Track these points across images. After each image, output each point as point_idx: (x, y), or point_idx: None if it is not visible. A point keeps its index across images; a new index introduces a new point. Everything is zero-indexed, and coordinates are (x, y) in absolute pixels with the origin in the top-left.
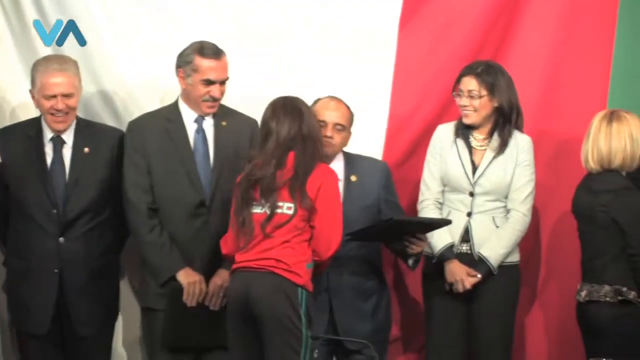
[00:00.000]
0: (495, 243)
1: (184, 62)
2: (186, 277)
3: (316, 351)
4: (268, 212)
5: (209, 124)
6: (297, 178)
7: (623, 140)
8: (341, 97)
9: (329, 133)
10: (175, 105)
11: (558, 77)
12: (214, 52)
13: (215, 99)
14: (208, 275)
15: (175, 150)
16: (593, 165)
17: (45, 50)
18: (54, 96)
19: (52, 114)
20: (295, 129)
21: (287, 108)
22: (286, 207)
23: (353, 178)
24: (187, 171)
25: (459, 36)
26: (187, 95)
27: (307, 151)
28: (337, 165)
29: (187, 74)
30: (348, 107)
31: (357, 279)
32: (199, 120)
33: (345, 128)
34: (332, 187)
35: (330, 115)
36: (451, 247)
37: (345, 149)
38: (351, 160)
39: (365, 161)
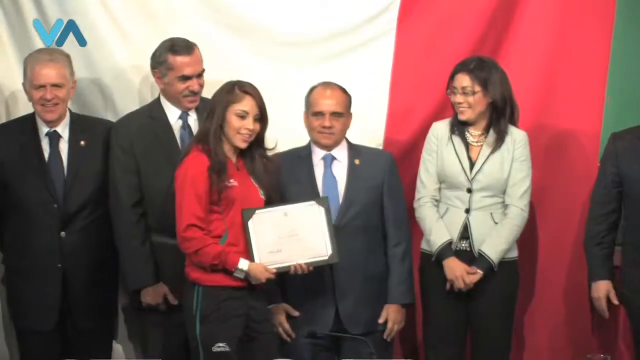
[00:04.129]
0: (496, 239)
1: (157, 63)
2: (147, 295)
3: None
4: None
5: (193, 119)
6: None
7: None
8: None
9: (327, 123)
10: (157, 103)
11: (556, 72)
12: (185, 47)
13: (195, 93)
14: None
15: (161, 149)
16: None
17: (26, 51)
18: (43, 86)
19: (42, 105)
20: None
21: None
22: None
23: (356, 162)
24: (175, 169)
25: (457, 32)
26: (166, 94)
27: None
28: (340, 151)
29: (163, 73)
30: (343, 91)
31: (362, 266)
32: (183, 117)
33: (343, 114)
34: (177, 180)
35: (325, 105)
36: (449, 244)
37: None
38: (356, 147)
39: (370, 149)
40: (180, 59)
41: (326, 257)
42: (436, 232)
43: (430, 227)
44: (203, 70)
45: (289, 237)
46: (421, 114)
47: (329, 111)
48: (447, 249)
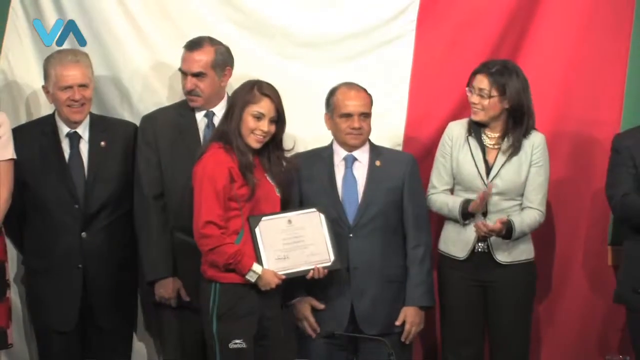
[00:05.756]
0: (519, 222)
1: None
2: (161, 288)
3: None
4: None
5: (218, 119)
6: None
7: None
8: None
9: (357, 125)
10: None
11: (575, 73)
12: (189, 43)
13: (188, 91)
14: None
15: (184, 145)
16: None
17: (45, 50)
18: (70, 87)
19: (69, 106)
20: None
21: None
22: None
23: (377, 163)
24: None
25: (476, 33)
26: None
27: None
28: (362, 152)
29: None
30: (365, 91)
31: (380, 267)
32: (209, 115)
33: (369, 114)
34: (195, 176)
35: (353, 106)
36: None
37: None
38: (377, 148)
39: (392, 151)
40: (182, 53)
41: (329, 263)
42: (452, 200)
43: (445, 200)
44: (199, 73)
45: (294, 243)
46: (441, 114)
47: (357, 112)
48: (466, 203)
